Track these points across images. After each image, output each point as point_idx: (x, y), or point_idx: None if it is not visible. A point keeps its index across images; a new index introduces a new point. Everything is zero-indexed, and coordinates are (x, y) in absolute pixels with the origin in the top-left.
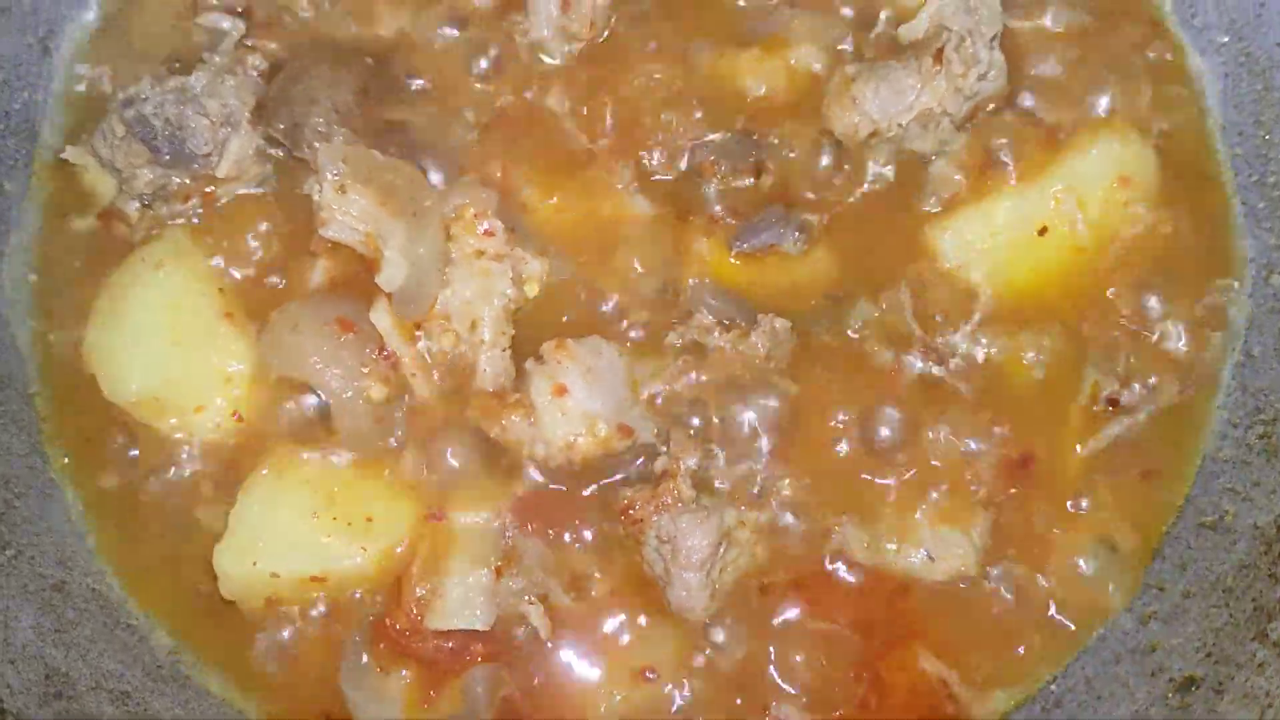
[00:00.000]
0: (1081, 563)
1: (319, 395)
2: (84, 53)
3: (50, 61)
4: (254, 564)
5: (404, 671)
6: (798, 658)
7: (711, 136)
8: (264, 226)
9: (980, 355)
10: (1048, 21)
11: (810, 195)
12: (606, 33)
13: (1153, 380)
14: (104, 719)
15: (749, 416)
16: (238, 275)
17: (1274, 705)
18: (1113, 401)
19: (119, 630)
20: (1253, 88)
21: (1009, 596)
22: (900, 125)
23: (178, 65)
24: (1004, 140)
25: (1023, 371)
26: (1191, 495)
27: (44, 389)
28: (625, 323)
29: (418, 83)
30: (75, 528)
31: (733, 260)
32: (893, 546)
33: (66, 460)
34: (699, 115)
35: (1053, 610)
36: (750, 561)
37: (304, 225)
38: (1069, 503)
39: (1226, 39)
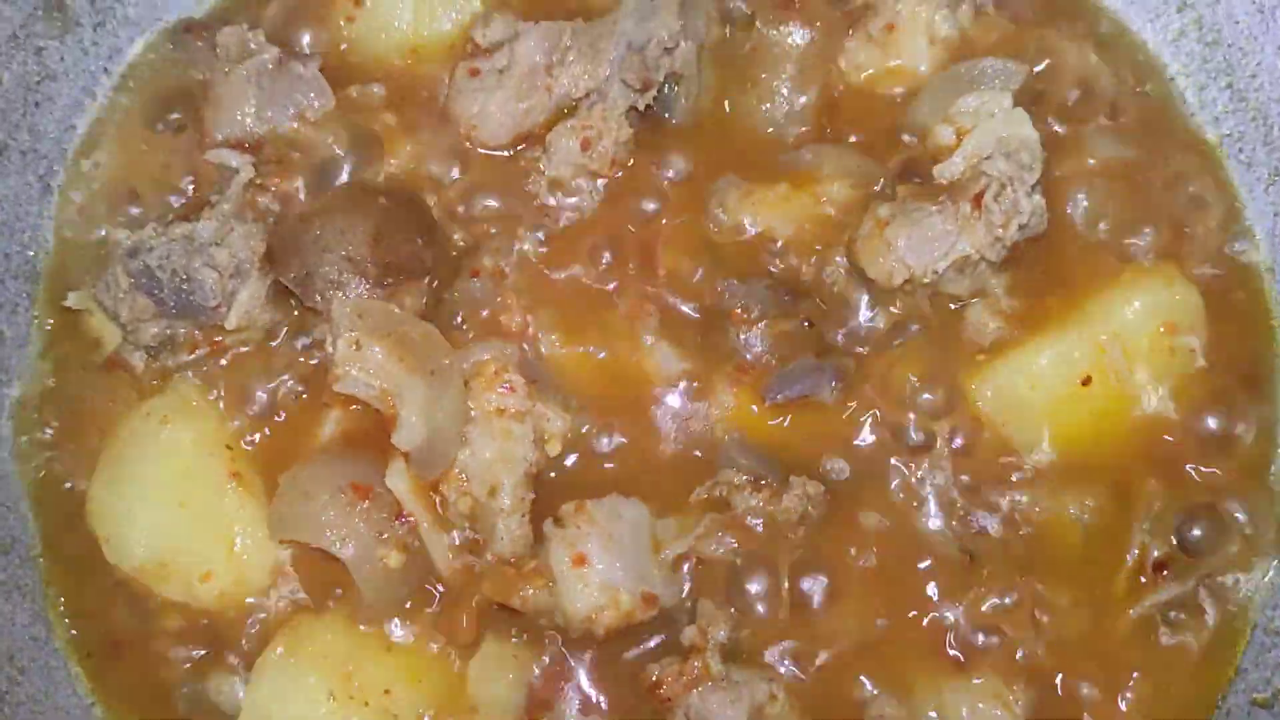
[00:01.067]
0: None
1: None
2: (86, 191)
3: (51, 200)
4: None
5: None
6: None
7: (738, 280)
8: (273, 378)
9: (1020, 517)
10: (1090, 159)
11: (843, 342)
12: (625, 169)
13: (1203, 545)
14: None
15: (779, 583)
16: (246, 430)
17: None
18: (1161, 566)
19: None
20: None
21: None
22: (936, 271)
23: (185, 204)
24: (1044, 285)
25: (1066, 534)
26: (1242, 668)
27: (47, 552)
28: (649, 477)
29: (434, 226)
30: (81, 703)
31: (756, 409)
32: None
33: (71, 630)
34: (724, 258)
35: None
36: None
37: (315, 376)
38: (1113, 672)
39: (1276, 178)
